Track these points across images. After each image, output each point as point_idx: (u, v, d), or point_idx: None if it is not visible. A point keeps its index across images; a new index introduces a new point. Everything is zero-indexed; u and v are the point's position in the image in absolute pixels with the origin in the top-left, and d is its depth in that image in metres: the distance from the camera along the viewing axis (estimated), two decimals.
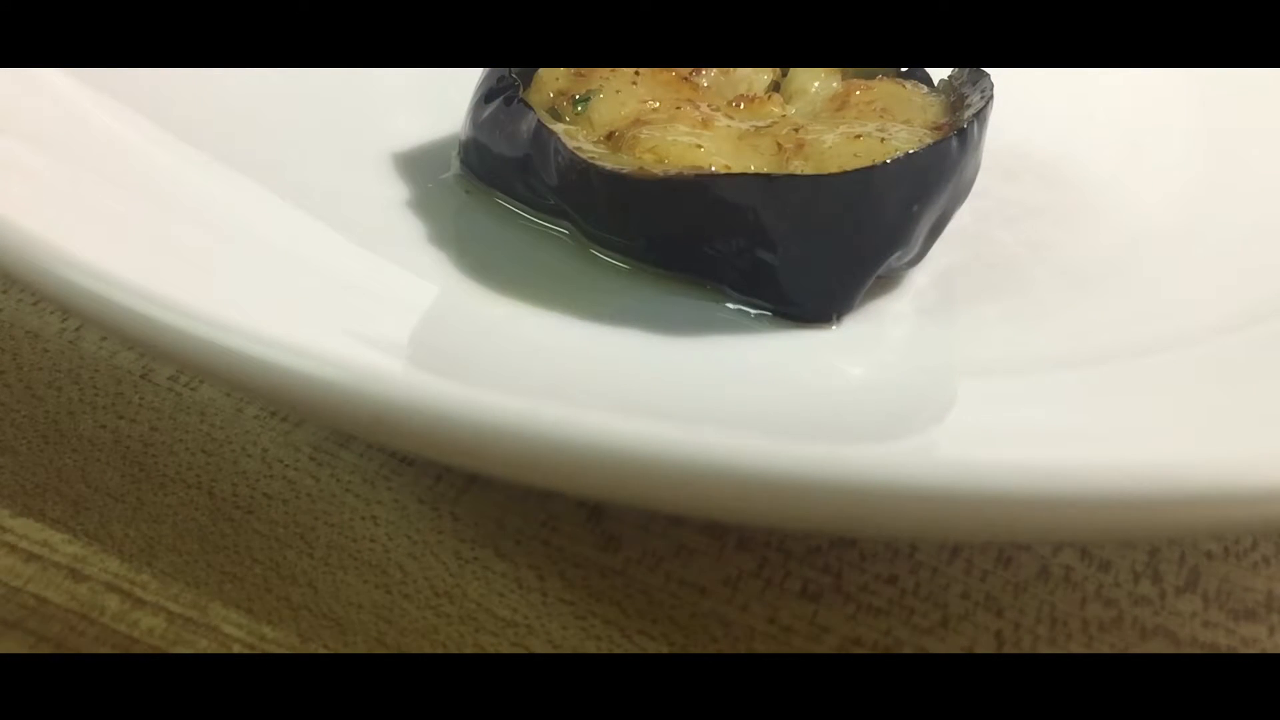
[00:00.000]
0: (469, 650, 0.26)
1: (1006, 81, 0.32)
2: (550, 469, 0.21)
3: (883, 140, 0.29)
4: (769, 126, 0.31)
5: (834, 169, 0.29)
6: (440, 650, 0.26)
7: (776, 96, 0.33)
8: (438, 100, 0.35)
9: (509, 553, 0.28)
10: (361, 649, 0.26)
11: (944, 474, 0.20)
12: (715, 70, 0.33)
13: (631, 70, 0.32)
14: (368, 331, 0.27)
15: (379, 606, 0.27)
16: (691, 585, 0.28)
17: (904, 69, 0.33)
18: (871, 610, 0.27)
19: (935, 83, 0.33)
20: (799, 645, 0.27)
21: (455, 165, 0.34)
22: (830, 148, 0.29)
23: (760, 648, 0.27)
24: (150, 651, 0.26)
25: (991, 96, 0.31)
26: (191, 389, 0.31)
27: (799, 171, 0.29)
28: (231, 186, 0.30)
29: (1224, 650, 0.27)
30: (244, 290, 0.26)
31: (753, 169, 0.29)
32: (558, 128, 0.31)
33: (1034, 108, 0.37)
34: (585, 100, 0.31)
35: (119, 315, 0.22)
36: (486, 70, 0.32)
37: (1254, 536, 0.29)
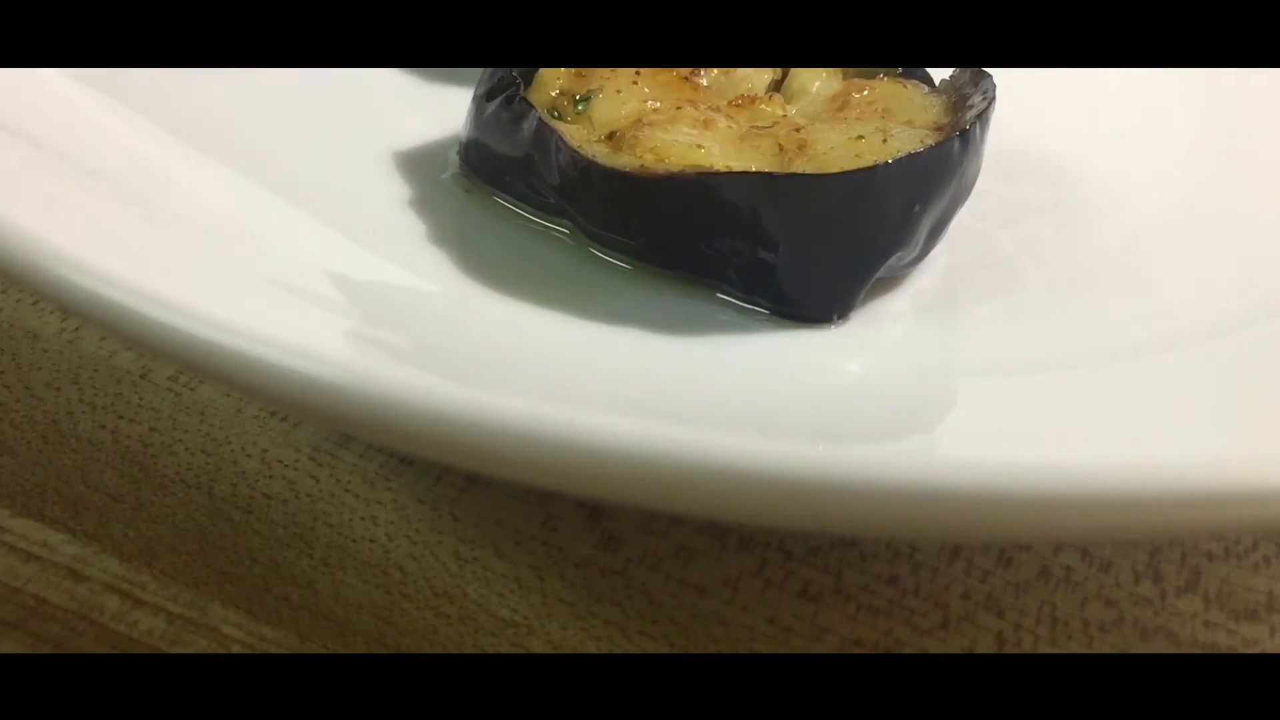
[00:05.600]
0: (469, 650, 0.26)
1: (1006, 81, 0.32)
2: (550, 469, 0.21)
3: (884, 141, 0.29)
4: (770, 127, 0.31)
5: (835, 170, 0.29)
6: (440, 650, 0.26)
7: (777, 97, 0.33)
8: (438, 100, 0.35)
9: (509, 553, 0.28)
10: (361, 649, 0.26)
11: (944, 474, 0.20)
12: (716, 70, 0.33)
13: (632, 70, 0.32)
14: (368, 331, 0.26)
15: (379, 607, 0.27)
16: (691, 585, 0.28)
17: (905, 69, 0.33)
18: (872, 611, 0.27)
19: (936, 83, 0.33)
20: (799, 645, 0.27)
21: (455, 165, 0.34)
22: (832, 148, 0.29)
23: (760, 648, 0.27)
24: (150, 651, 0.26)
25: (993, 97, 0.31)
26: (191, 389, 0.31)
27: (800, 172, 0.29)
28: (231, 186, 0.30)
29: (1225, 651, 0.27)
30: (244, 290, 0.26)
31: (754, 169, 0.29)
32: (559, 127, 0.31)
33: (1034, 108, 0.37)
34: (586, 100, 0.31)
35: (118, 315, 0.22)
36: (487, 69, 0.32)
37: (1255, 537, 0.29)
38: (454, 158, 0.34)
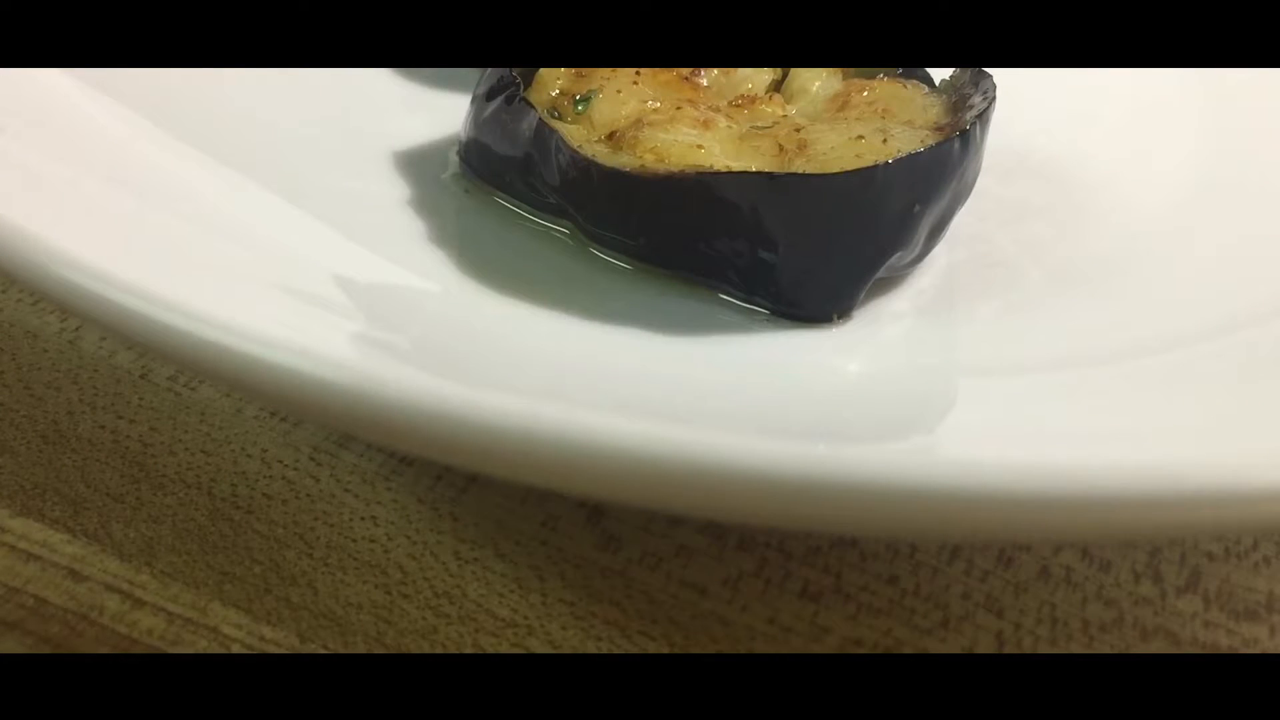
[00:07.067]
0: (469, 650, 0.26)
1: (1006, 81, 0.32)
2: (550, 469, 0.21)
3: (885, 141, 0.29)
4: (770, 127, 0.31)
5: (836, 170, 0.29)
6: (440, 650, 0.26)
7: (777, 97, 0.33)
8: (438, 101, 0.35)
9: (509, 553, 0.28)
10: (361, 649, 0.26)
11: (944, 474, 0.20)
12: (716, 70, 0.33)
13: (632, 70, 0.32)
14: (368, 331, 0.26)
15: (379, 606, 0.27)
16: (691, 585, 0.28)
17: (905, 69, 0.33)
18: (872, 611, 0.27)
19: (936, 83, 0.33)
20: (799, 645, 0.27)
21: (455, 165, 0.34)
22: (832, 148, 0.29)
23: (760, 648, 0.27)
24: (150, 651, 0.26)
25: (993, 97, 0.31)
26: (191, 389, 0.31)
27: (801, 172, 0.29)
28: (231, 186, 0.30)
29: (1225, 651, 0.27)
30: (244, 290, 0.26)
31: (754, 169, 0.29)
32: (559, 127, 0.31)
33: (1034, 108, 0.37)
34: (586, 100, 0.31)
35: (118, 315, 0.22)
36: (487, 69, 0.32)
37: (1255, 537, 0.29)
38: (454, 158, 0.34)
